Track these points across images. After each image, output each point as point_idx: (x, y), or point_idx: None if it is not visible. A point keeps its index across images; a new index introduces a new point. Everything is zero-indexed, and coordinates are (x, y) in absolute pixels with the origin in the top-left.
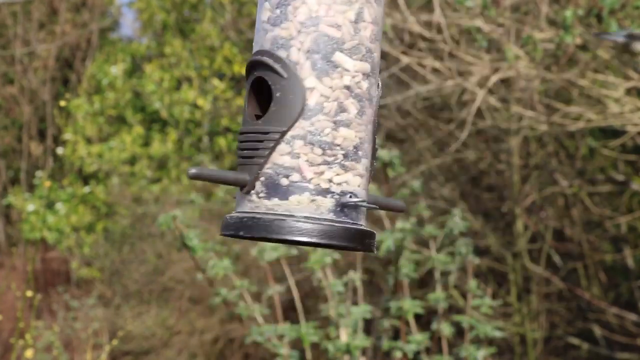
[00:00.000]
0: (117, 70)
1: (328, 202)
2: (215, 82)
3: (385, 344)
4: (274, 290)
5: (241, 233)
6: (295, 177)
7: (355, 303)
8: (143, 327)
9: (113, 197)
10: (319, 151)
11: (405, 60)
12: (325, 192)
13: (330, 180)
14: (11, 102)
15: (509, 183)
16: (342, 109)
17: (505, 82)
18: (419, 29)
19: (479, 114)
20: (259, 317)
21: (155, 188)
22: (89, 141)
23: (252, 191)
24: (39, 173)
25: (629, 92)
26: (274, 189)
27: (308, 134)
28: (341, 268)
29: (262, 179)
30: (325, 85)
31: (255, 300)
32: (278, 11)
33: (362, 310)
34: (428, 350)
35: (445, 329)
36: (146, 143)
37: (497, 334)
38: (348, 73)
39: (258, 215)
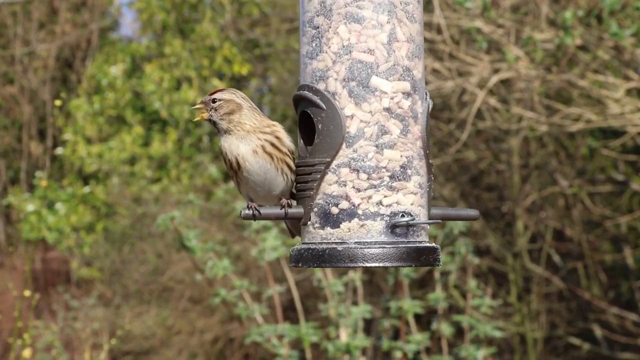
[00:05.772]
0: (116, 70)
1: (378, 225)
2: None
3: (385, 344)
4: (274, 290)
5: (300, 265)
6: (344, 204)
7: (355, 303)
8: (143, 327)
9: (113, 197)
10: (365, 176)
11: None
12: (374, 215)
13: (379, 203)
14: (11, 102)
15: (509, 183)
16: (383, 132)
17: (505, 82)
18: None
19: (479, 114)
20: (258, 317)
21: (155, 188)
22: (89, 141)
23: (309, 222)
24: (39, 173)
25: (629, 92)
26: (326, 219)
27: (352, 161)
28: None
29: (315, 209)
30: (365, 111)
31: (255, 300)
32: (314, 44)
33: (362, 310)
34: (428, 350)
35: (445, 329)
36: (146, 143)
37: (497, 333)
38: (386, 95)
39: (313, 246)
